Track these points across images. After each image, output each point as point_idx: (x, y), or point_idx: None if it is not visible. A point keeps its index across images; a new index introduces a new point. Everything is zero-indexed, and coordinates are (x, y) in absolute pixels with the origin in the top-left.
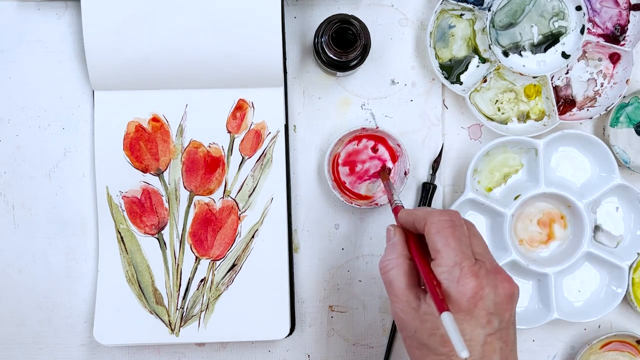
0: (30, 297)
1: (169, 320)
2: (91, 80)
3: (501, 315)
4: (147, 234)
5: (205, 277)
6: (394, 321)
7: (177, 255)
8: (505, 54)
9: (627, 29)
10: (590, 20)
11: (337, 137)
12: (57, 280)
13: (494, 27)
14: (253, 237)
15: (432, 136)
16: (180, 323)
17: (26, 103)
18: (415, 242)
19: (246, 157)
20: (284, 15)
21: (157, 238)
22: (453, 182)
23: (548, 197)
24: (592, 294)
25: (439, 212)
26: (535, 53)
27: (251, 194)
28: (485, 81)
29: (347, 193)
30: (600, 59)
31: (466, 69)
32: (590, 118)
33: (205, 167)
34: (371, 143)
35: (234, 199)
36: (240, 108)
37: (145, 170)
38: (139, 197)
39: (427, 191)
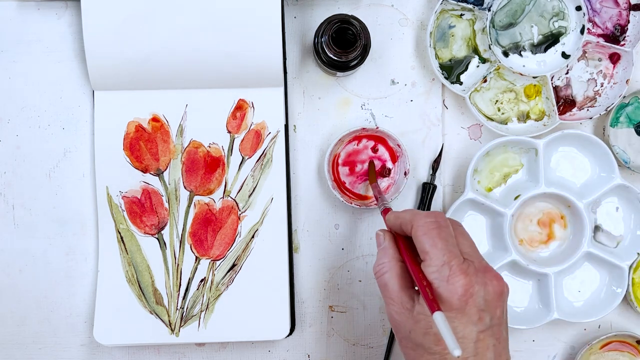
0: (30, 297)
1: (169, 320)
2: (91, 80)
3: (492, 312)
4: (147, 234)
5: (205, 277)
6: None
7: (177, 255)
8: (505, 54)
9: (627, 29)
10: (590, 20)
11: (337, 137)
12: (57, 280)
13: (494, 27)
14: (253, 237)
15: (432, 136)
16: (180, 323)
17: (26, 103)
18: (405, 245)
19: (246, 157)
20: (284, 15)
21: (157, 238)
22: (453, 182)
23: (548, 197)
24: (592, 294)
25: (425, 214)
26: (535, 53)
27: (251, 194)
28: (485, 81)
29: (347, 193)
30: (600, 59)
31: (466, 69)
32: (590, 118)
33: (205, 167)
34: (371, 143)
35: (234, 199)
36: (240, 108)
37: (145, 170)
38: (139, 197)
39: (427, 191)
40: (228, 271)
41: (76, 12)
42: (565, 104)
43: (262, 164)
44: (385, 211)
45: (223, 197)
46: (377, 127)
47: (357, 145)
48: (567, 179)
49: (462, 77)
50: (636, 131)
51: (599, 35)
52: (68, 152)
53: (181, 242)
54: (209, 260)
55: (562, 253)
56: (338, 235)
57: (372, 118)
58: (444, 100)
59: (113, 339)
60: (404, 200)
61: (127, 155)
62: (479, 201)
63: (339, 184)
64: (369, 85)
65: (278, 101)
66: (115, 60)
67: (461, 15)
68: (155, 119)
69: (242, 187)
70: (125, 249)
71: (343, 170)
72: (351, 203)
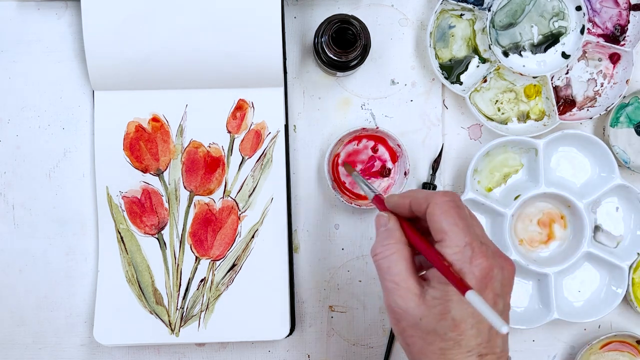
0: (30, 297)
1: (169, 320)
2: (91, 80)
3: (505, 297)
4: (147, 234)
5: (205, 277)
6: None
7: (177, 255)
8: (505, 54)
9: (627, 29)
10: (590, 20)
11: (337, 137)
12: (57, 280)
13: (494, 27)
14: (253, 237)
15: (432, 136)
16: (180, 323)
17: (26, 103)
18: (412, 227)
19: (246, 157)
20: (284, 15)
21: (157, 238)
22: (453, 182)
23: (548, 197)
24: (592, 294)
25: (442, 193)
26: (535, 53)
27: (251, 194)
28: (485, 81)
29: (347, 193)
30: (600, 59)
31: (466, 69)
32: (590, 118)
33: (205, 167)
34: (371, 143)
35: (234, 199)
36: (240, 108)
37: (145, 170)
38: (139, 197)
39: None
40: (228, 271)
41: (76, 12)
42: (565, 104)
43: (262, 164)
44: (379, 197)
45: (223, 197)
46: (377, 127)
47: (357, 145)
48: (567, 179)
49: (462, 77)
50: (636, 131)
51: (599, 35)
52: (68, 152)
53: (181, 242)
54: (209, 260)
55: (562, 253)
56: (338, 235)
57: (372, 118)
58: (444, 100)
59: (113, 339)
60: None
61: (127, 155)
62: (479, 201)
63: (339, 184)
64: (369, 85)
65: (278, 101)
66: (115, 60)
67: (461, 15)
68: (155, 119)
69: (242, 187)
70: (125, 249)
71: (343, 170)
72: (351, 203)
